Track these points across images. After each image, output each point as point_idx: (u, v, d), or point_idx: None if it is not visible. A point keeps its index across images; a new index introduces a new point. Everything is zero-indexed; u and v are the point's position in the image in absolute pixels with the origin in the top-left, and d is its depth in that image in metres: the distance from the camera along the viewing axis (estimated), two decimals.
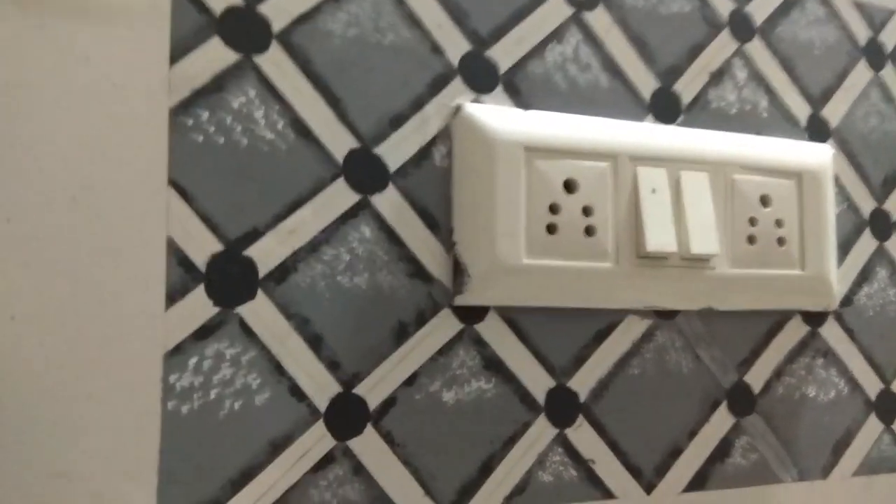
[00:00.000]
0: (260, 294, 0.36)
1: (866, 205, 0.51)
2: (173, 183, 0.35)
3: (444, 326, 0.39)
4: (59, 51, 0.33)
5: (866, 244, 0.51)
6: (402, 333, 0.39)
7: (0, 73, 0.32)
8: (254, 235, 0.36)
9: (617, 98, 0.44)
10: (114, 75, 0.34)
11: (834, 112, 0.51)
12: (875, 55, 0.53)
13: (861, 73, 0.52)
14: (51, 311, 0.33)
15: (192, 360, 0.35)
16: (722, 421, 0.46)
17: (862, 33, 0.53)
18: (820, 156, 0.49)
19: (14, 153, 0.32)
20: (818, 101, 0.50)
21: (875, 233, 0.51)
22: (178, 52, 0.35)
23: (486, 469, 0.40)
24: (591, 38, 0.44)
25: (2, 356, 0.32)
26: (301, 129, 0.37)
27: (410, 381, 0.39)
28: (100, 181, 0.34)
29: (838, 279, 0.49)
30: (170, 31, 0.35)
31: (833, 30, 0.52)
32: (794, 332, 0.48)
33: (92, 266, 0.33)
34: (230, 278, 0.35)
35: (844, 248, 0.50)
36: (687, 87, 0.46)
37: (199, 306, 0.35)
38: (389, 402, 0.38)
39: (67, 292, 0.33)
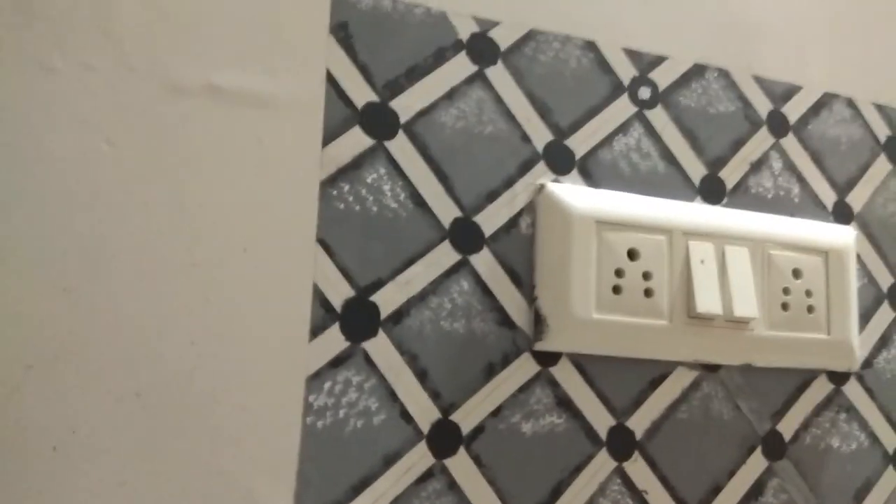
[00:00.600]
0: (381, 333, 0.44)
1: (885, 280, 0.59)
2: (320, 240, 0.43)
3: (524, 368, 0.47)
4: (239, 133, 0.42)
5: (885, 314, 0.58)
6: (490, 372, 0.46)
7: (192, 150, 0.41)
8: (378, 284, 0.44)
9: (672, 182, 0.53)
10: (279, 153, 0.43)
11: (857, 199, 0.59)
12: (894, 151, 0.61)
13: (881, 166, 0.60)
14: (222, 339, 0.41)
15: (327, 384, 0.42)
16: (757, 464, 0.52)
17: (882, 132, 0.61)
18: (844, 236, 0.56)
19: (200, 213, 0.41)
20: (843, 189, 0.58)
21: (893, 305, 0.59)
22: (329, 137, 0.44)
23: (556, 493, 0.47)
24: (650, 131, 0.53)
25: (182, 375, 0.40)
26: (418, 200, 0.46)
27: (496, 412, 0.46)
28: (264, 237, 0.42)
29: (859, 344, 0.56)
30: (323, 120, 0.44)
31: (857, 128, 0.60)
32: (821, 388, 0.55)
33: (255, 304, 0.42)
34: (359, 319, 0.44)
35: (865, 318, 0.57)
36: (731, 175, 0.55)
37: (334, 340, 0.43)
38: (479, 430, 0.45)
39: (235, 324, 0.41)
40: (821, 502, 0.54)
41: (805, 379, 0.55)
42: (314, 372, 0.42)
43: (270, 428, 0.41)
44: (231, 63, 0.43)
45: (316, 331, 0.42)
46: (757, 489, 0.52)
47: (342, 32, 0.45)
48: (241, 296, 0.41)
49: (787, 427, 0.53)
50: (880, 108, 0.61)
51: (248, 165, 0.42)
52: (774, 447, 0.53)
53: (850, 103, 0.60)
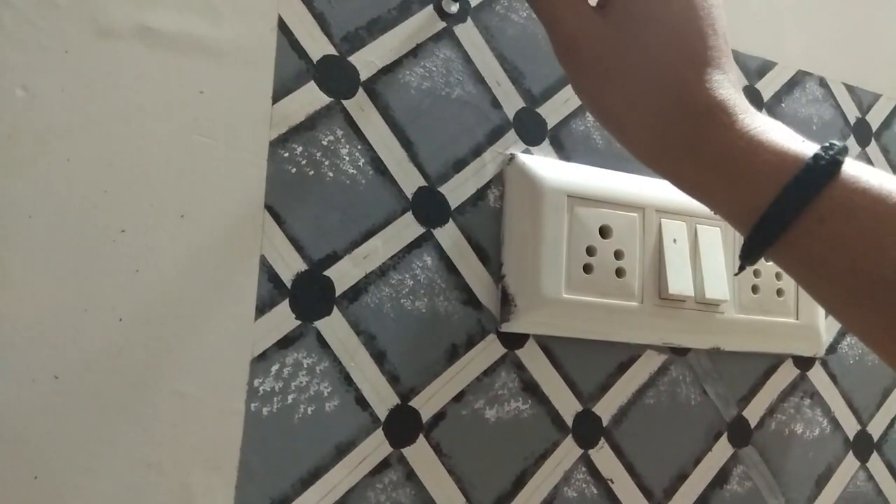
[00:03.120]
0: (335, 311, 0.40)
1: None
2: (268, 207, 0.39)
3: (489, 350, 0.44)
4: (176, 84, 0.38)
5: None
6: (453, 354, 0.43)
7: (122, 98, 0.36)
8: (333, 258, 0.40)
9: None
10: (222, 108, 0.38)
11: None
12: (862, 132, 0.60)
13: (851, 147, 0.59)
14: (155, 315, 0.36)
15: (275, 367, 0.38)
16: (722, 451, 0.51)
17: (852, 113, 0.60)
18: None
19: (131, 172, 0.36)
20: None
21: None
22: (280, 92, 0.40)
23: (520, 482, 0.44)
24: None
25: (109, 354, 0.35)
26: (378, 167, 0.42)
27: (459, 397, 0.43)
28: (205, 201, 0.38)
29: (825, 329, 0.55)
30: (273, 73, 0.40)
31: (828, 108, 0.58)
32: (787, 373, 0.54)
33: (193, 276, 0.37)
34: (311, 295, 0.39)
35: None
36: None
37: (283, 319, 0.39)
38: (440, 416, 0.42)
39: (170, 299, 0.37)
40: (784, 489, 0.53)
41: (772, 364, 0.53)
42: (260, 353, 0.38)
43: (209, 415, 0.37)
44: (168, 3, 0.38)
45: (263, 308, 0.38)
46: (722, 477, 0.50)
47: None
48: (177, 267, 0.37)
49: (753, 413, 0.52)
50: (850, 89, 0.60)
51: (186, 120, 0.38)
52: (740, 434, 0.51)
53: (822, 82, 0.58)
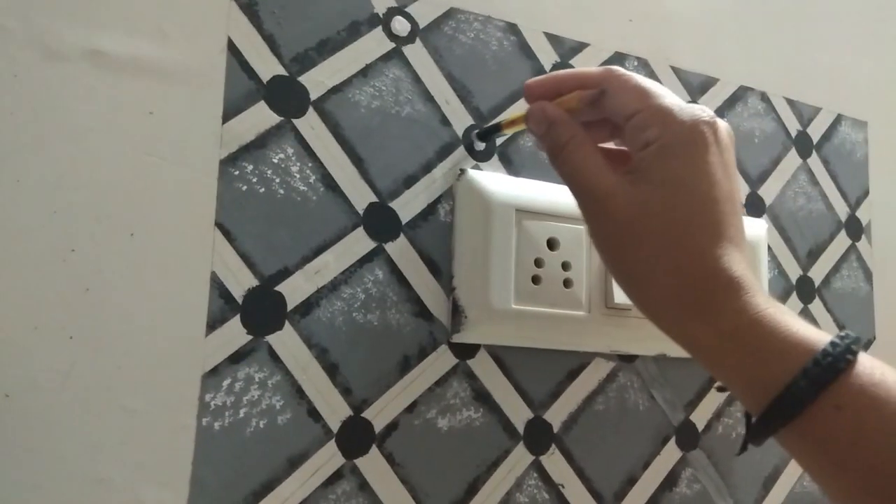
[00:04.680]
0: (287, 325, 0.41)
1: (793, 272, 0.60)
2: (219, 225, 0.40)
3: (441, 361, 0.45)
4: (125, 104, 0.38)
5: (793, 305, 0.60)
6: (405, 366, 0.44)
7: (71, 120, 0.37)
8: (285, 273, 0.41)
9: None
10: (172, 128, 0.39)
11: (768, 192, 0.60)
12: (803, 145, 0.62)
13: (791, 160, 0.62)
14: (105, 333, 0.37)
15: (226, 382, 0.39)
16: (671, 454, 0.52)
17: (793, 126, 0.62)
18: (756, 228, 0.57)
19: (79, 192, 0.37)
20: (756, 182, 0.59)
21: (800, 296, 0.60)
22: (230, 111, 0.41)
23: (472, 490, 0.45)
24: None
25: (58, 373, 0.36)
26: (329, 184, 0.43)
27: (411, 408, 0.44)
28: (155, 219, 0.38)
29: None
30: (223, 93, 0.40)
31: (770, 122, 0.61)
32: None
33: (144, 294, 0.38)
34: (263, 310, 0.40)
35: None
36: None
37: (234, 334, 0.39)
38: (392, 426, 0.43)
39: (120, 317, 0.37)
40: (732, 491, 0.54)
41: None
42: (211, 368, 0.39)
43: (160, 430, 0.37)
44: (117, 26, 0.38)
45: (214, 324, 0.39)
46: (671, 479, 0.52)
47: None
48: (127, 285, 0.37)
49: (700, 417, 0.54)
50: (791, 103, 0.62)
51: (136, 140, 0.38)
52: (688, 437, 0.53)
53: (764, 97, 0.61)
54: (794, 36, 0.64)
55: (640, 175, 0.33)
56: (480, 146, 0.47)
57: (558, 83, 0.37)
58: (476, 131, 0.39)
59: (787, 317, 0.31)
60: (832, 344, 0.29)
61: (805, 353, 0.29)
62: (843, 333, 0.30)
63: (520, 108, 0.49)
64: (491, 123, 0.38)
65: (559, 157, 0.35)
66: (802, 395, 0.29)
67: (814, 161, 0.63)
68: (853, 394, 0.29)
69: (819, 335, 0.30)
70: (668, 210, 0.32)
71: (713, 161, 0.33)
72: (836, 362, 0.29)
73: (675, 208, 0.32)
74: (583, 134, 0.35)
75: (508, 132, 0.45)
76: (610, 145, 0.39)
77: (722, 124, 0.34)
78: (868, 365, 0.29)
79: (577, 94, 0.36)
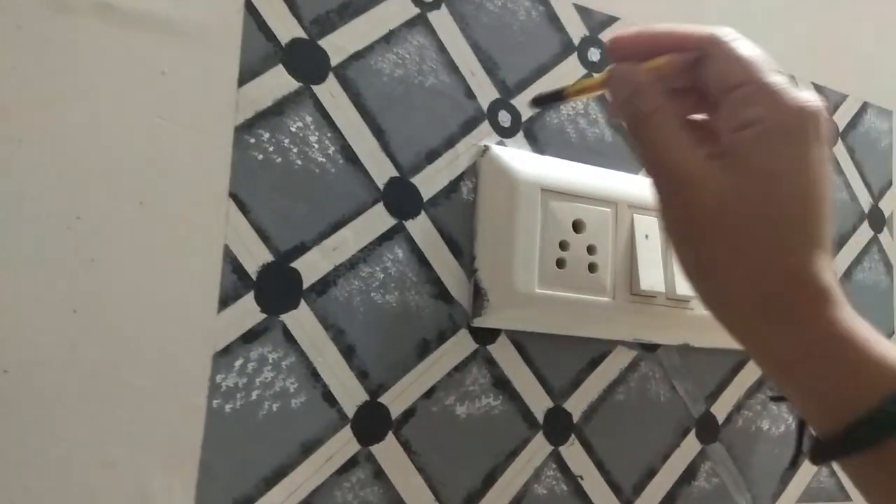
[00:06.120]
0: (303, 304, 0.39)
1: None
2: (233, 195, 0.37)
3: (461, 346, 0.43)
4: (135, 62, 0.36)
5: None
6: (424, 350, 0.42)
7: (77, 77, 0.34)
8: (301, 249, 0.39)
9: (618, 151, 0.50)
10: (185, 90, 0.37)
11: None
12: (830, 131, 0.61)
13: None
14: (111, 307, 0.34)
15: (238, 362, 0.37)
16: (690, 447, 0.51)
17: None
18: None
19: (87, 156, 0.34)
20: None
21: None
22: (246, 75, 0.38)
23: (490, 479, 0.43)
24: (599, 96, 0.49)
25: (61, 348, 0.33)
26: (349, 156, 0.41)
27: (429, 394, 0.42)
28: (165, 188, 0.36)
29: None
30: (240, 55, 0.38)
31: None
32: (754, 370, 0.54)
33: (153, 267, 0.35)
34: (277, 288, 0.38)
35: None
36: None
37: (247, 312, 0.37)
38: (409, 413, 0.41)
39: (128, 290, 0.35)
40: (749, 485, 0.53)
41: (739, 360, 0.53)
42: (223, 347, 0.36)
43: (169, 412, 0.35)
44: None
45: (226, 300, 0.37)
46: (690, 473, 0.50)
47: None
48: (135, 256, 0.35)
49: (721, 410, 0.52)
50: (819, 89, 0.60)
51: (146, 102, 0.36)
52: (708, 430, 0.52)
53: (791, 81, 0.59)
54: (822, 21, 0.62)
55: (735, 160, 0.30)
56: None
57: (652, 42, 0.32)
58: (534, 97, 0.35)
59: (874, 335, 0.28)
60: None
61: (894, 377, 0.27)
62: None
63: (556, 80, 0.47)
64: (552, 90, 0.34)
65: (640, 129, 0.31)
66: (888, 420, 0.27)
67: (839, 149, 0.61)
68: None
69: None
70: (763, 204, 0.29)
71: (816, 157, 0.29)
72: None
73: (771, 203, 0.29)
74: (669, 105, 0.31)
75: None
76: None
77: (826, 116, 0.31)
78: None
79: (670, 58, 0.32)
